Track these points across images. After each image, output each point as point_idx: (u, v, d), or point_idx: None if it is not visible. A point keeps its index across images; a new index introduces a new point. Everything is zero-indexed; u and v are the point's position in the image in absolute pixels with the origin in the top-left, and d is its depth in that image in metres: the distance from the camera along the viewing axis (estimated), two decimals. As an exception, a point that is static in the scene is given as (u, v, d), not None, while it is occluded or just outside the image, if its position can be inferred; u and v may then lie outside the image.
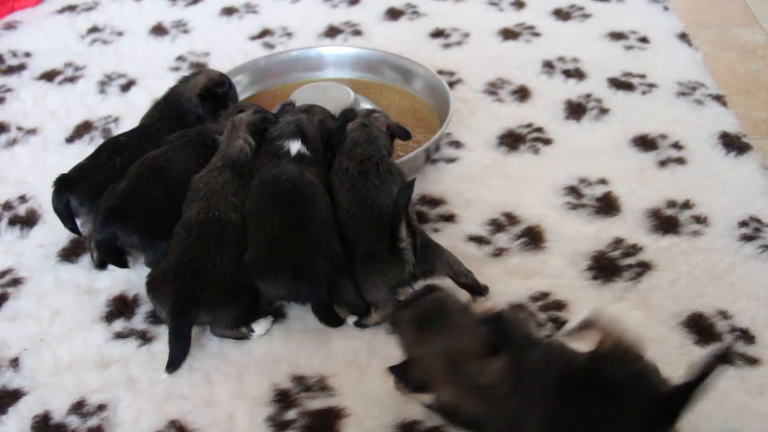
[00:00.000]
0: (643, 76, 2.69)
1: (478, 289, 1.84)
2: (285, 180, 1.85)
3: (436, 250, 1.83)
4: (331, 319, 1.80)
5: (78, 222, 2.03)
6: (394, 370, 1.57)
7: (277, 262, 1.75)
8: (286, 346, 1.79)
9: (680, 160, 2.29)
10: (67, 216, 2.03)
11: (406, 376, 1.55)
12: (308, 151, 1.99)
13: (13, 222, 2.21)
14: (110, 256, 1.96)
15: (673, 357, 1.70)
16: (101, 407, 1.67)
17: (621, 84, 2.66)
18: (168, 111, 2.22)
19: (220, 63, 2.88)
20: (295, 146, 1.98)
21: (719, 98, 2.55)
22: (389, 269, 1.76)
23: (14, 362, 1.79)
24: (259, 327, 1.81)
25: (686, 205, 2.12)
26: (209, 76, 2.30)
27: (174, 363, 1.72)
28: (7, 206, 2.27)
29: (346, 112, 2.12)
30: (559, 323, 1.79)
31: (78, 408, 1.67)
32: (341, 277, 1.75)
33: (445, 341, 1.46)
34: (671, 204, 2.12)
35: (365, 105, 2.48)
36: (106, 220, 1.89)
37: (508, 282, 1.91)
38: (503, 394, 1.40)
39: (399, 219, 1.71)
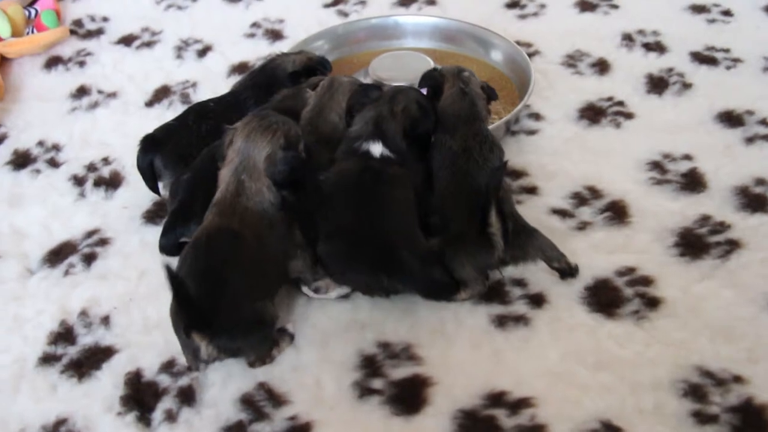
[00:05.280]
0: (727, 51, 2.62)
1: (569, 272, 1.82)
2: (364, 170, 1.79)
3: (530, 237, 1.79)
4: (443, 293, 1.78)
5: (160, 184, 2.07)
6: None
7: (352, 253, 1.72)
8: (371, 314, 1.78)
9: (768, 138, 2.23)
10: (150, 175, 2.06)
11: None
12: (391, 152, 1.84)
13: (98, 183, 2.24)
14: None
15: (765, 338, 1.67)
16: (191, 368, 1.70)
17: (704, 58, 2.60)
18: (261, 79, 2.20)
19: (295, 30, 2.89)
20: (376, 149, 1.83)
21: (809, 74, 2.47)
22: (477, 252, 1.74)
23: (105, 320, 1.83)
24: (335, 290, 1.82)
25: (776, 183, 2.07)
26: (309, 56, 2.27)
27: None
28: (92, 168, 2.30)
29: (433, 78, 2.03)
30: (647, 299, 1.77)
31: (169, 367, 1.70)
32: (429, 263, 1.72)
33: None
34: (760, 182, 2.07)
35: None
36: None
37: (592, 256, 1.88)
38: None
39: (489, 204, 1.68)
